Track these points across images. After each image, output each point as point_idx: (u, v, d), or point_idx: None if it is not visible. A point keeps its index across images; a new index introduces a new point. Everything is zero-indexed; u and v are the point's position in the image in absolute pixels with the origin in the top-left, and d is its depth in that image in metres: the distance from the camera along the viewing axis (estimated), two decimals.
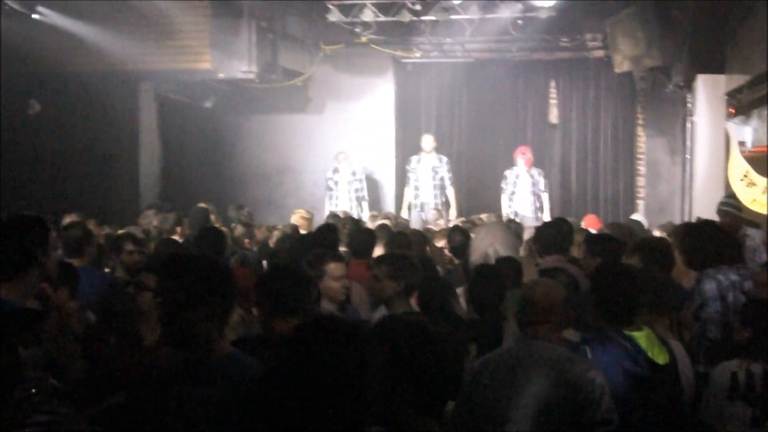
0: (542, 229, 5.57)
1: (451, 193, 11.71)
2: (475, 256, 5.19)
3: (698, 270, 4.42)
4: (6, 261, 3.19)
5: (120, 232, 6.99)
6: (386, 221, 8.60)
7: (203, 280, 2.58)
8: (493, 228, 5.56)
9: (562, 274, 4.37)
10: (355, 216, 10.56)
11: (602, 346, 3.34)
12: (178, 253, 4.40)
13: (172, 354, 2.66)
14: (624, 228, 7.11)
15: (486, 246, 5.22)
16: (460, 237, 6.25)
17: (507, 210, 11.38)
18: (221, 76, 10.70)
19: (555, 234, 5.36)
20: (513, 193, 11.51)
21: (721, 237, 4.47)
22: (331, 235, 5.83)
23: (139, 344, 3.46)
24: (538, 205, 11.46)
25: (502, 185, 11.61)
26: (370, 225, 8.14)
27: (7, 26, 9.11)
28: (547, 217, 11.26)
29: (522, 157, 11.49)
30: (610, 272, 3.58)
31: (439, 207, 11.31)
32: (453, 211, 11.56)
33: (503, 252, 5.15)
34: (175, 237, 7.15)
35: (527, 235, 7.39)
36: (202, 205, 8.93)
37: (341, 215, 9.30)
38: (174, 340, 2.61)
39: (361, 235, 6.16)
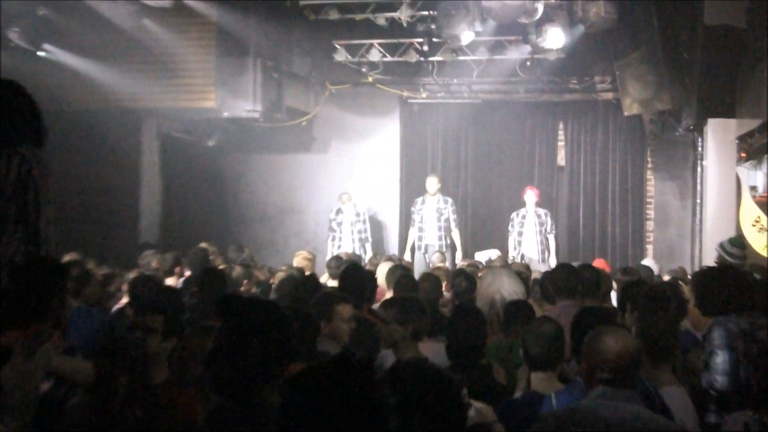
0: (554, 272, 5.53)
1: (456, 235, 11.69)
2: (481, 303, 5.17)
3: (711, 316, 4.37)
4: (19, 309, 3.07)
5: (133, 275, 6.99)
6: (389, 263, 8.58)
7: (260, 324, 2.46)
8: (499, 273, 5.52)
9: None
10: (362, 257, 10.57)
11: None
12: (233, 295, 4.43)
13: (219, 402, 2.51)
14: (634, 273, 7.11)
15: (492, 292, 5.19)
16: (465, 282, 6.19)
17: (513, 252, 11.38)
18: (225, 114, 10.74)
19: (566, 277, 5.33)
20: (520, 234, 11.52)
21: (733, 283, 4.39)
22: (360, 279, 5.66)
23: (151, 387, 3.42)
24: (544, 247, 11.45)
25: (509, 228, 11.64)
26: (370, 267, 8.12)
27: (10, 63, 9.22)
28: (553, 259, 11.27)
29: (530, 194, 11.52)
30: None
31: (444, 249, 11.29)
32: (458, 254, 11.53)
33: (510, 297, 5.13)
34: (173, 278, 7.19)
35: (535, 277, 7.38)
36: (202, 245, 8.95)
37: (344, 257, 9.28)
38: (222, 386, 2.46)
39: (364, 279, 6.02)
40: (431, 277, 6.27)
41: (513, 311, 4.76)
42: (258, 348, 2.43)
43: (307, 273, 7.83)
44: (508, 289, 5.16)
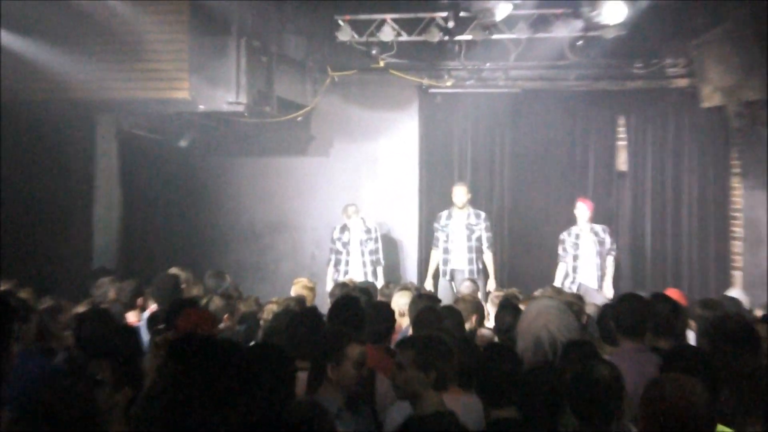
0: (618, 305, 5.49)
1: (489, 258, 11.72)
2: (525, 342, 5.09)
3: None
4: None
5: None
6: (406, 293, 8.55)
7: (208, 372, 2.65)
8: (547, 305, 5.43)
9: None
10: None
11: None
12: (190, 336, 4.49)
13: None
14: (717, 307, 6.98)
15: (538, 328, 5.09)
16: (510, 317, 6.21)
17: (568, 282, 11.33)
18: (201, 108, 10.76)
19: (633, 312, 5.30)
20: (575, 258, 11.45)
21: None
22: (354, 310, 5.93)
23: None
24: (603, 272, 11.42)
25: (560, 252, 11.57)
26: (381, 299, 8.21)
27: None
28: (609, 286, 11.23)
29: (582, 208, 11.50)
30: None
31: (475, 276, 11.29)
32: (491, 281, 11.56)
33: (560, 336, 5.02)
34: (134, 312, 7.25)
35: (591, 311, 7.29)
36: (172, 270, 8.93)
37: (350, 285, 9.19)
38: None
39: (379, 313, 6.18)
40: (453, 312, 6.33)
41: (571, 353, 4.70)
42: (197, 397, 2.59)
43: (308, 305, 7.89)
44: (558, 324, 5.07)
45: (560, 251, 11.57)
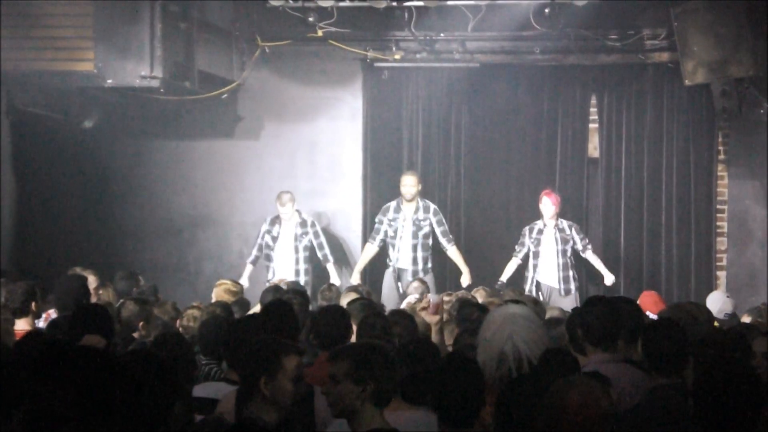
0: (586, 311, 5.51)
1: (454, 253, 11.93)
2: (487, 354, 5.06)
3: None
4: None
5: None
6: (353, 294, 8.58)
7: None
8: (513, 313, 5.45)
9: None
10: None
11: None
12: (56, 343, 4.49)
13: None
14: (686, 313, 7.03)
15: (503, 340, 5.07)
16: (478, 312, 6.44)
17: (528, 283, 11.62)
18: (109, 82, 10.72)
19: (604, 319, 5.34)
20: (536, 255, 11.75)
21: None
22: (288, 316, 6.00)
23: None
24: (568, 273, 11.68)
25: (516, 247, 11.87)
26: (324, 302, 8.32)
27: None
28: (609, 276, 11.73)
29: (546, 203, 11.69)
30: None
31: (420, 275, 11.44)
32: (465, 278, 11.77)
33: (527, 350, 5.03)
34: (27, 319, 7.11)
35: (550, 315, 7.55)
36: (76, 270, 8.86)
37: (284, 286, 9.18)
38: None
39: (328, 318, 6.27)
40: (404, 318, 6.38)
41: (549, 364, 4.75)
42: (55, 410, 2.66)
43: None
44: (525, 336, 5.07)
45: (516, 245, 11.86)
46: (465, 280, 11.66)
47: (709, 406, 3.77)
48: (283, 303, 6.49)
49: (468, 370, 4.39)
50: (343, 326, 6.17)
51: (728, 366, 4.08)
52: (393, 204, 11.91)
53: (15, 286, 7.59)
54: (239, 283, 9.85)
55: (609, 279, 11.73)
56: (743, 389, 3.72)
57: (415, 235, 11.75)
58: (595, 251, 12.22)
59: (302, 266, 11.81)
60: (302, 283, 11.45)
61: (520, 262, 11.84)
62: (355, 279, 11.73)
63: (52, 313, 7.95)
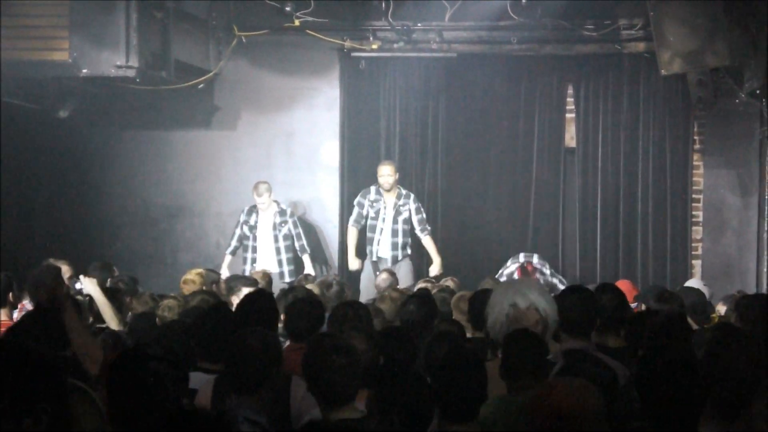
0: (562, 299, 5.58)
1: (428, 242, 11.97)
2: (494, 317, 5.36)
3: None
4: None
5: None
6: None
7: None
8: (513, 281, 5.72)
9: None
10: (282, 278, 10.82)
11: None
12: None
13: None
14: (675, 300, 7.06)
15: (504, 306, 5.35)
16: (416, 308, 6.55)
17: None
18: (85, 72, 10.65)
19: (579, 307, 5.43)
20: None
21: None
22: (267, 308, 6.02)
23: None
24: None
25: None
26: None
27: None
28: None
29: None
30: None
31: (402, 261, 11.63)
32: (435, 267, 11.82)
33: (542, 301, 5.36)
34: (4, 310, 7.15)
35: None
36: (50, 262, 8.73)
37: (260, 278, 9.19)
38: None
39: (300, 308, 6.28)
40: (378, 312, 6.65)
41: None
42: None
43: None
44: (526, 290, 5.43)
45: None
46: (434, 269, 11.71)
47: (652, 395, 3.80)
48: (262, 293, 6.49)
49: (470, 365, 4.43)
50: (315, 317, 6.18)
51: (668, 353, 4.11)
52: (373, 188, 11.99)
53: None
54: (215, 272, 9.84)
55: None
56: (683, 378, 3.75)
57: (395, 220, 11.84)
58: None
59: (284, 255, 11.82)
60: (285, 272, 11.64)
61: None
62: (354, 265, 11.88)
63: (27, 304, 7.86)
